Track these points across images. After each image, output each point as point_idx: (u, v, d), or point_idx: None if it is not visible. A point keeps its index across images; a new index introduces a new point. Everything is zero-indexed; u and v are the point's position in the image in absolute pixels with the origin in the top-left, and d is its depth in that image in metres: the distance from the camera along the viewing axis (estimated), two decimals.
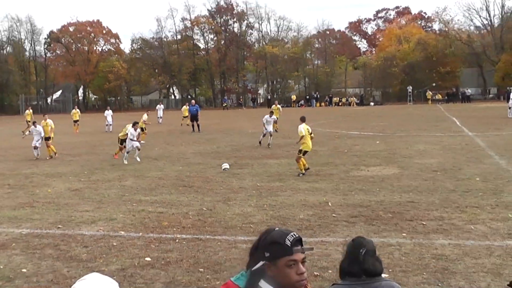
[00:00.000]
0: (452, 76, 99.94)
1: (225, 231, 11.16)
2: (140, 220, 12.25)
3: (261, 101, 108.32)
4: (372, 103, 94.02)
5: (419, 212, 12.18)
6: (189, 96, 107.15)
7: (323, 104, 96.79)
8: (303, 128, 19.09)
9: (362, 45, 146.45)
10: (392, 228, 10.92)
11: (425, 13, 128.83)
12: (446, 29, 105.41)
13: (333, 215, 12.16)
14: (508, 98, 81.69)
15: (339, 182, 16.32)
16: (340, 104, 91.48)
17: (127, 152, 23.18)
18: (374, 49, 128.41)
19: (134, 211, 13.14)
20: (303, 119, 19.90)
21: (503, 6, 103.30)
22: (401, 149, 24.50)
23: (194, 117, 39.83)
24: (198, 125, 39.46)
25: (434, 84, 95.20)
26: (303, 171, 18.15)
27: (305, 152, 18.74)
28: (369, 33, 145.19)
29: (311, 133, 19.53)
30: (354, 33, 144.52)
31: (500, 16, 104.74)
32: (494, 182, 15.53)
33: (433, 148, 24.45)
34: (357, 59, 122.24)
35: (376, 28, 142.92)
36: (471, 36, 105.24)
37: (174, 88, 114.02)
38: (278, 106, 41.61)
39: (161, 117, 51.59)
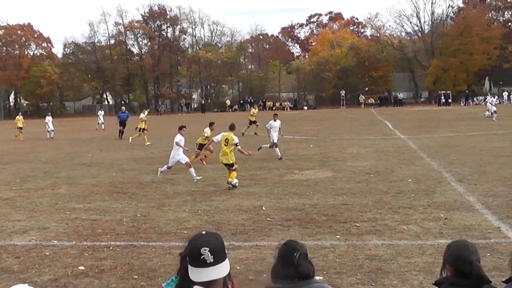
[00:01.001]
0: (384, 80, 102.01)
1: (159, 237, 11.04)
2: (73, 229, 11.98)
3: (195, 106, 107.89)
4: (305, 107, 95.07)
5: (353, 214, 12.34)
6: (122, 102, 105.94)
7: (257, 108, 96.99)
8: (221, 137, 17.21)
9: (295, 49, 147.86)
10: (326, 231, 11.01)
11: (356, 18, 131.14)
12: (378, 35, 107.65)
13: (268, 219, 12.18)
14: (440, 102, 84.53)
15: (273, 186, 16.38)
16: (274, 108, 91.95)
17: (169, 168, 19.07)
18: (307, 53, 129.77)
19: (67, 219, 12.85)
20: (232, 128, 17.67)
21: (433, 13, 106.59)
22: (334, 153, 24.80)
23: (123, 124, 39.25)
24: (122, 132, 38.33)
25: (366, 88, 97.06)
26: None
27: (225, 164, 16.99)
28: (302, 38, 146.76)
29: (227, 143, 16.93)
30: (287, 38, 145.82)
31: (430, 23, 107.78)
32: (426, 183, 15.90)
33: (366, 151, 24.86)
34: (290, 63, 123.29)
35: (309, 32, 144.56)
36: (402, 42, 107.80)
37: (108, 93, 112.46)
38: (255, 110, 41.09)
39: (102, 123, 51.13)
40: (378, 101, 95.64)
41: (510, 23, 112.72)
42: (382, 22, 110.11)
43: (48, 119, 43.14)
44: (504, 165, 18.99)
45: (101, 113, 54.53)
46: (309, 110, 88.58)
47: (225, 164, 16.94)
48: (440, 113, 56.17)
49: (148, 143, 32.62)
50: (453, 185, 15.60)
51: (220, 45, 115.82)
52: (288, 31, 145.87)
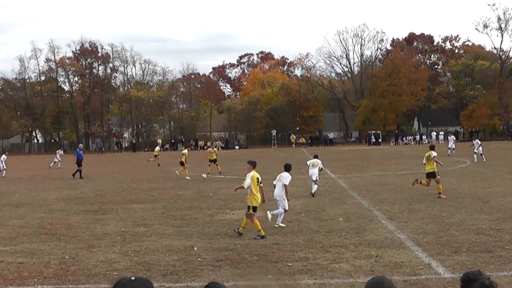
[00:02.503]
0: (315, 120, 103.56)
1: (88, 280, 10.73)
2: None
3: (126, 145, 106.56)
4: (237, 147, 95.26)
5: (284, 253, 12.30)
6: (52, 140, 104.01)
7: (188, 148, 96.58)
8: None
9: (227, 89, 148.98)
10: (258, 271, 10.93)
11: (287, 58, 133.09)
12: (308, 75, 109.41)
13: (199, 259, 12.02)
14: (370, 141, 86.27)
15: (205, 226, 16.23)
16: (205, 148, 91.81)
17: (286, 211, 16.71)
18: (238, 93, 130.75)
19: None
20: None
21: (362, 55, 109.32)
22: (267, 192, 24.72)
23: (79, 162, 38.00)
24: (80, 171, 37.33)
25: (297, 128, 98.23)
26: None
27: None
28: (233, 77, 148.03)
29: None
30: (219, 77, 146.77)
31: (360, 64, 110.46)
32: (357, 221, 16.07)
33: (297, 190, 24.94)
34: (221, 103, 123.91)
35: (240, 72, 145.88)
36: (332, 82, 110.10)
37: (37, 131, 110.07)
38: (215, 149, 40.98)
39: (59, 161, 49.94)
40: (309, 141, 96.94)
41: (436, 66, 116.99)
42: (312, 63, 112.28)
43: (3, 157, 41.63)
44: (433, 202, 19.43)
45: (60, 152, 53.80)
46: (240, 150, 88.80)
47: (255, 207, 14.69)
48: (370, 152, 57.32)
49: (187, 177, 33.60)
50: (383, 223, 15.81)
51: (151, 84, 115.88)
52: (220, 71, 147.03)
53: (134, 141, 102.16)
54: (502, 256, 11.41)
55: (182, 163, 35.25)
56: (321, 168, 24.86)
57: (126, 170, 43.14)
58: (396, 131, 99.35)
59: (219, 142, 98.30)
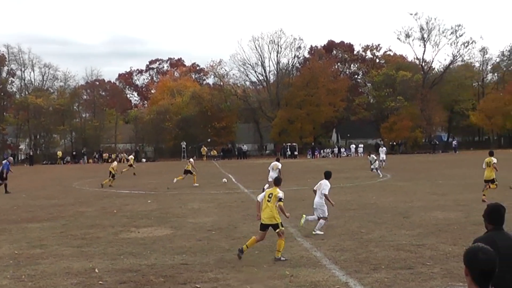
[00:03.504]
0: (227, 131, 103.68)
1: None
2: None
3: (22, 157, 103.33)
4: (144, 160, 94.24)
5: (193, 274, 12.21)
6: None
7: (90, 161, 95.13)
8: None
9: (134, 97, 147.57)
10: None
11: (198, 65, 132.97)
12: (221, 83, 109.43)
13: (100, 282, 11.80)
14: (286, 154, 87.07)
15: (107, 246, 15.93)
16: (109, 160, 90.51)
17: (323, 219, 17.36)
18: (146, 102, 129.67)
19: None
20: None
21: (278, 63, 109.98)
22: (174, 208, 24.66)
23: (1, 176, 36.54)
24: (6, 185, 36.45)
25: (209, 140, 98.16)
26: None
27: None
28: (141, 85, 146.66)
29: None
30: (125, 85, 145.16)
31: (276, 73, 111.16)
32: (271, 239, 16.02)
33: (208, 206, 24.93)
34: (128, 112, 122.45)
35: (148, 80, 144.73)
36: (247, 91, 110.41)
37: None
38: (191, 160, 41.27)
39: None
40: (221, 153, 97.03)
41: (356, 76, 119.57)
42: (225, 70, 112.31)
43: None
44: (352, 218, 19.74)
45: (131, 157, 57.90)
46: (148, 163, 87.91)
47: (268, 226, 13.98)
48: (285, 166, 57.55)
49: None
50: (299, 240, 15.94)
51: (52, 91, 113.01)
52: (126, 78, 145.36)
53: (31, 153, 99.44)
54: (423, 273, 11.68)
55: (113, 176, 38.37)
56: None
57: (22, 185, 41.88)
58: (313, 143, 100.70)
59: (125, 154, 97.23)
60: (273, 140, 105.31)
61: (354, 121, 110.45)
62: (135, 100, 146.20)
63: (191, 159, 41.71)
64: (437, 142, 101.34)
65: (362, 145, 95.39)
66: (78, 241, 16.99)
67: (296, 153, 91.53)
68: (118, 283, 11.65)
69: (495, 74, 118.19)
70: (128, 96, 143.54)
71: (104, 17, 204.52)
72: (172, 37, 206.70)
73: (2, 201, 30.68)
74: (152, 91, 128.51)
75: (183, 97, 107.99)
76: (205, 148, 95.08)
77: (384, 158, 53.69)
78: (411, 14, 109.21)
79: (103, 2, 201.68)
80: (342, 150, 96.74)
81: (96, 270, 12.85)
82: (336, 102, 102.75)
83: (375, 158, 43.15)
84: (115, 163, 40.74)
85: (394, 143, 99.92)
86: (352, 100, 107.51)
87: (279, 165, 29.55)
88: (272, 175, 26.97)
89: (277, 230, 13.69)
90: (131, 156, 59.71)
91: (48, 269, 13.25)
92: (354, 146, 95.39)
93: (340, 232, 16.96)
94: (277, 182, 14.91)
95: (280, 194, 14.05)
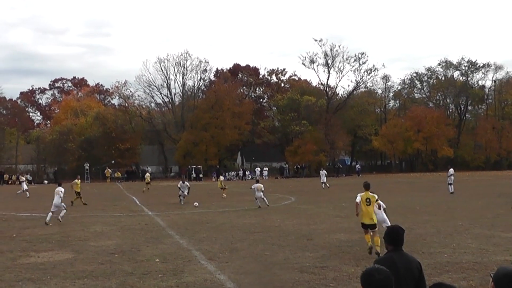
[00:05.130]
0: (132, 153, 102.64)
1: None
2: None
3: None
4: (46, 181, 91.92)
5: None
6: None
7: None
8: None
9: (36, 117, 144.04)
10: None
11: (102, 86, 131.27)
12: (126, 104, 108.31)
13: None
14: (191, 176, 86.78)
15: (5, 272, 15.39)
16: (10, 182, 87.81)
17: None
18: (49, 121, 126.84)
19: None
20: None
21: (184, 85, 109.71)
22: (76, 231, 24.12)
23: None
24: None
25: (113, 161, 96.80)
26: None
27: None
28: (44, 104, 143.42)
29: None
30: (28, 103, 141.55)
31: (181, 94, 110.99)
32: (175, 262, 15.97)
33: (111, 229, 24.55)
34: (30, 132, 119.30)
35: (52, 99, 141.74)
36: (151, 113, 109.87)
37: None
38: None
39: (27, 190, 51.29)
40: (125, 175, 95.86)
41: (261, 99, 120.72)
42: (131, 91, 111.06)
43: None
44: (256, 241, 19.80)
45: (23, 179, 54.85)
46: (50, 184, 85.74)
47: (368, 225, 16.89)
48: (190, 188, 57.48)
49: None
50: (203, 263, 15.85)
51: None
52: (29, 96, 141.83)
53: None
54: None
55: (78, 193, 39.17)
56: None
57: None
58: (218, 166, 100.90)
59: (26, 176, 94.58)
60: (178, 162, 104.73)
61: (259, 144, 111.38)
62: (38, 119, 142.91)
63: (78, 180, 41.86)
64: (341, 166, 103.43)
65: (266, 168, 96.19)
66: None
67: (201, 175, 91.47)
68: None
69: (397, 101, 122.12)
70: (30, 115, 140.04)
71: (2, 32, 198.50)
72: (74, 56, 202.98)
73: None
74: (56, 111, 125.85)
75: (86, 117, 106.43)
76: (109, 170, 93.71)
77: (325, 181, 55.61)
78: (316, 40, 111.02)
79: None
80: (247, 173, 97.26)
81: None
82: (241, 125, 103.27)
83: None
84: (77, 181, 40.44)
85: (298, 166, 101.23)
86: (257, 124, 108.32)
87: (262, 187, 34.51)
88: (258, 195, 33.77)
89: (375, 229, 16.72)
90: (148, 174, 63.15)
91: None
92: (259, 169, 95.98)
93: (244, 255, 16.98)
94: (367, 186, 17.56)
95: (376, 197, 17.43)
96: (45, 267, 15.99)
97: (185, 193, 38.44)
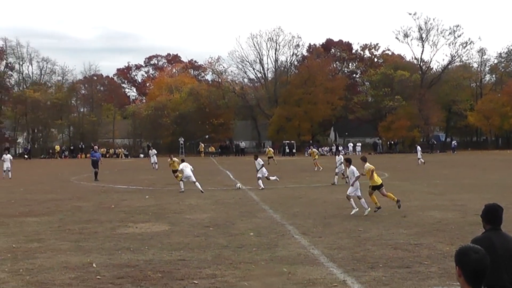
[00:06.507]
0: (225, 128, 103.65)
1: None
2: None
3: (20, 151, 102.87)
4: (142, 155, 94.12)
5: (191, 270, 12.20)
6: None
7: (88, 155, 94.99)
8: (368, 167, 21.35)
9: (132, 93, 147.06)
10: None
11: (196, 62, 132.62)
12: (220, 80, 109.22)
13: (98, 277, 11.77)
14: (284, 152, 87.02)
15: (105, 241, 15.92)
16: (107, 155, 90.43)
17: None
18: (144, 97, 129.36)
19: None
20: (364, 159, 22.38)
21: (276, 60, 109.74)
22: (171, 204, 24.65)
23: (96, 164, 39.72)
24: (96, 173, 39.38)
25: (207, 136, 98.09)
26: (378, 205, 20.64)
27: (374, 187, 21.13)
28: (139, 80, 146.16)
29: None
30: (123, 80, 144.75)
31: (274, 70, 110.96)
32: (268, 236, 16.11)
33: (205, 203, 24.93)
34: (126, 107, 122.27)
35: (146, 75, 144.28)
36: (244, 88, 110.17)
37: None
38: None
39: (156, 163, 52.60)
40: (219, 150, 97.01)
41: (354, 75, 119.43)
42: (223, 67, 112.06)
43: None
44: (348, 216, 19.73)
45: (152, 152, 55.67)
46: (145, 158, 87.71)
47: (376, 187, 21.14)
48: (283, 163, 57.82)
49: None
50: (296, 238, 15.92)
51: (49, 85, 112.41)
52: (124, 73, 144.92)
53: (29, 147, 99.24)
54: (420, 272, 11.68)
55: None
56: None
57: (20, 179, 41.91)
58: (311, 141, 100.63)
59: (122, 149, 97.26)
60: (271, 138, 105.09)
61: (352, 119, 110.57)
62: (133, 95, 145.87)
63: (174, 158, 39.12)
64: (435, 142, 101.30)
65: (360, 144, 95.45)
66: (75, 235, 16.97)
67: (294, 150, 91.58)
68: (115, 278, 11.62)
69: (493, 75, 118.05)
70: (126, 91, 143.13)
71: (99, 12, 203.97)
72: (168, 33, 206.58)
73: (2, 195, 30.66)
74: (150, 87, 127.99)
75: (181, 93, 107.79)
76: (202, 144, 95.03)
77: (420, 157, 54.85)
78: (410, 14, 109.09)
79: None
80: (340, 148, 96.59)
81: (94, 265, 12.83)
82: (334, 101, 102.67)
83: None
84: (174, 159, 38.35)
85: (392, 142, 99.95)
86: (350, 99, 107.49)
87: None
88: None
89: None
90: (270, 149, 63.01)
91: (45, 263, 13.23)
92: (351, 144, 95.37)
93: (337, 230, 16.95)
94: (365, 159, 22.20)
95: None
96: (143, 237, 16.43)
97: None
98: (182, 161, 32.21)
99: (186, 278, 11.55)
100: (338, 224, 18.12)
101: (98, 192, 31.36)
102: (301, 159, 74.38)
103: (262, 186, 30.61)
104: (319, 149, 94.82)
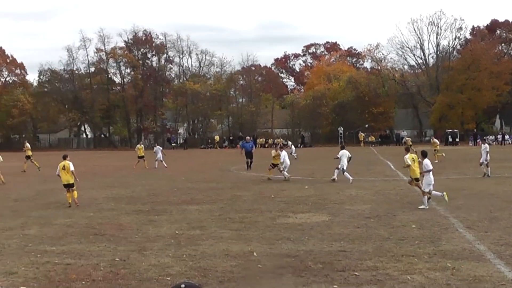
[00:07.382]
0: (385, 117, 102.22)
1: (139, 284, 10.89)
2: (44, 274, 11.77)
3: (181, 141, 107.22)
4: (300, 145, 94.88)
5: (351, 262, 12.22)
6: (102, 135, 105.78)
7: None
8: (408, 158, 22.18)
9: (290, 82, 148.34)
10: (323, 280, 10.89)
11: (355, 49, 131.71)
12: (379, 67, 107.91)
13: (259, 266, 12.06)
14: (447, 141, 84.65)
15: (265, 230, 16.25)
16: (266, 146, 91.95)
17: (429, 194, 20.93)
18: (302, 87, 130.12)
19: (37, 263, 12.62)
20: (407, 149, 23.84)
21: (438, 45, 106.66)
22: (331, 195, 24.73)
23: (249, 154, 41.24)
24: (251, 163, 40.93)
25: (366, 125, 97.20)
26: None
27: (416, 178, 21.98)
28: (297, 70, 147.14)
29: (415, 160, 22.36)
30: (281, 69, 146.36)
31: (435, 56, 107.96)
32: (431, 229, 15.81)
33: (366, 194, 24.82)
34: (284, 97, 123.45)
35: (304, 64, 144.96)
36: (405, 75, 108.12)
37: (86, 126, 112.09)
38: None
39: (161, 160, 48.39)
40: (379, 139, 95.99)
41: None
42: (383, 54, 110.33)
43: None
44: None
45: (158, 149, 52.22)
46: (304, 148, 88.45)
47: (415, 179, 22.08)
48: (446, 153, 56.26)
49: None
50: (461, 232, 15.52)
51: (208, 76, 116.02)
52: (282, 62, 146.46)
53: (186, 137, 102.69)
54: None
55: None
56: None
57: (180, 168, 43.66)
58: (476, 130, 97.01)
59: (281, 139, 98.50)
60: (433, 126, 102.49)
61: None
62: (291, 85, 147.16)
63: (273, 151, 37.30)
64: None
65: None
66: (236, 224, 17.45)
67: (457, 139, 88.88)
68: (276, 268, 11.85)
69: None
70: (284, 81, 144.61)
71: (255, 2, 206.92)
72: (326, 21, 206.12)
73: (163, 183, 32.08)
74: (308, 76, 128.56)
75: (339, 82, 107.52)
76: (362, 134, 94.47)
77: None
78: None
79: None
80: (507, 137, 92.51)
81: (255, 254, 13.15)
82: (500, 86, 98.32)
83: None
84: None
85: None
86: None
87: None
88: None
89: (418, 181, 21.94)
90: (435, 140, 54.94)
91: (207, 250, 13.72)
92: None
93: (505, 225, 16.28)
94: (424, 154, 21.95)
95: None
96: (303, 227, 16.62)
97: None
98: (342, 148, 32.82)
99: (347, 269, 11.58)
100: (505, 219, 17.42)
101: (258, 182, 32.01)
102: (465, 149, 72.12)
103: (350, 177, 29.87)
104: (484, 138, 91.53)
